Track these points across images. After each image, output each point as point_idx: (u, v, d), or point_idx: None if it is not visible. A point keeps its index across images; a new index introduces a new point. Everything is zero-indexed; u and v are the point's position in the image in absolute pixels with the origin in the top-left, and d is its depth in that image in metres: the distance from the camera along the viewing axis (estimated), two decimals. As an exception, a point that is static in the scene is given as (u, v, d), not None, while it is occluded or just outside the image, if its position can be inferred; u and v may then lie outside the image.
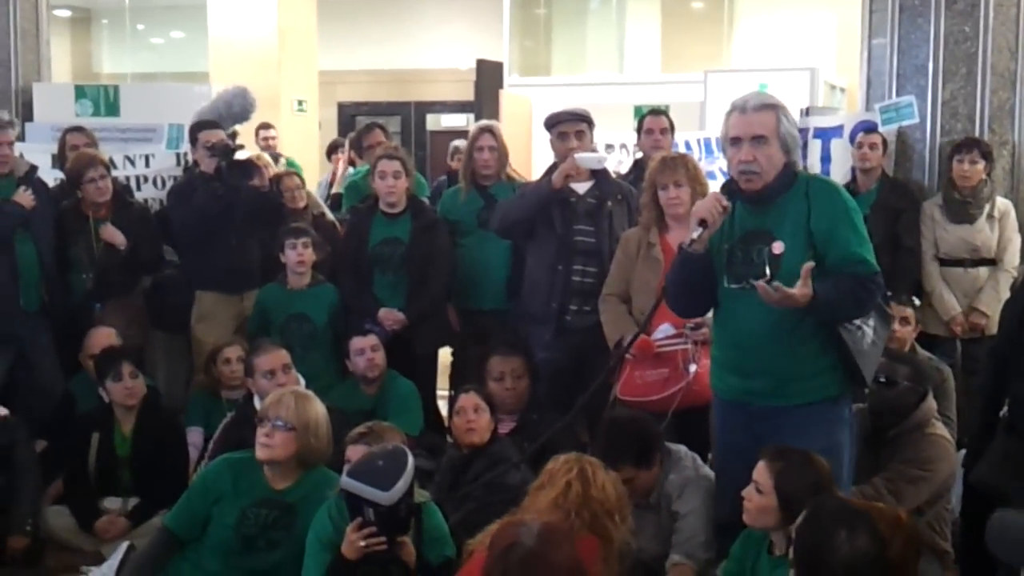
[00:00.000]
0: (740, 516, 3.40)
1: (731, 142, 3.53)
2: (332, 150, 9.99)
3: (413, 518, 3.46)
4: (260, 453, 3.82)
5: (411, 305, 5.38)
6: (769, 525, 3.30)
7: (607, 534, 3.33)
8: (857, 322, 3.50)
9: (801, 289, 3.28)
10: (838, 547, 2.75)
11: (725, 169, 6.56)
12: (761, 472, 3.30)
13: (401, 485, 3.33)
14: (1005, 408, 3.14)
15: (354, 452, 3.79)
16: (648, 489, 3.95)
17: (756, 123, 3.48)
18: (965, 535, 4.02)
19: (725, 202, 3.46)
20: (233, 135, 6.22)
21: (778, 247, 3.41)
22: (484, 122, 5.96)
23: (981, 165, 5.76)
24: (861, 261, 3.43)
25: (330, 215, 6.75)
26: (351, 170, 9.17)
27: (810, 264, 3.31)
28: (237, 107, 6.24)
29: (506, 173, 5.67)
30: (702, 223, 3.44)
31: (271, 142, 9.17)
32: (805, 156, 6.30)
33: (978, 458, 3.22)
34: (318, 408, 3.92)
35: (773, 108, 3.51)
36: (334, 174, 9.54)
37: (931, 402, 4.32)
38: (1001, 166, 6.07)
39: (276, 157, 8.43)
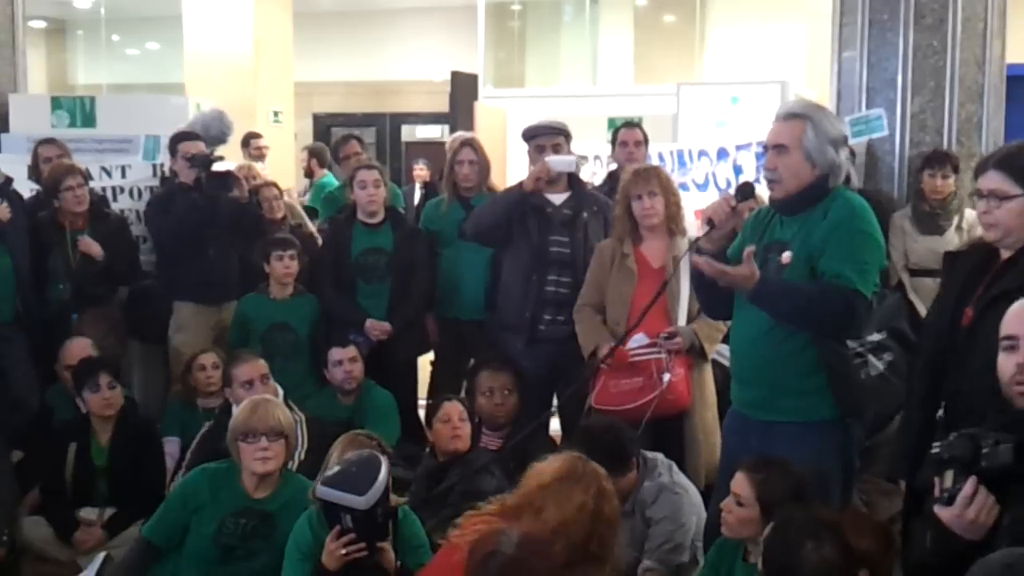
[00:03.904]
0: None
1: (764, 149, 3.57)
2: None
3: (391, 524, 3.50)
4: (262, 467, 3.82)
5: (396, 313, 5.43)
6: (750, 535, 3.33)
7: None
8: (859, 349, 3.47)
9: (742, 268, 3.29)
10: (805, 558, 2.79)
11: (698, 180, 6.71)
12: (741, 484, 3.32)
13: (376, 489, 3.35)
14: (941, 410, 3.18)
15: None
16: (624, 495, 3.98)
17: (780, 132, 3.49)
18: (908, 537, 4.07)
19: (733, 203, 3.47)
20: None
21: (786, 257, 3.41)
22: (463, 135, 6.01)
23: (952, 179, 5.86)
24: (838, 275, 3.35)
25: (310, 226, 6.79)
26: (306, 181, 9.28)
27: (752, 248, 3.33)
28: (215, 130, 6.25)
29: (488, 185, 5.73)
30: (709, 222, 3.48)
31: (266, 151, 9.26)
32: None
33: (916, 461, 3.24)
34: (284, 408, 4.03)
35: (802, 118, 3.47)
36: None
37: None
38: (969, 178, 6.15)
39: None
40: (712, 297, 3.73)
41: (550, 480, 3.12)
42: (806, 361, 3.44)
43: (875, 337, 3.51)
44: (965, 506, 2.34)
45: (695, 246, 3.57)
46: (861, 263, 3.39)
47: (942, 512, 2.39)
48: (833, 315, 3.37)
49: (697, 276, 3.69)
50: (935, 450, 2.46)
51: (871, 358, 3.50)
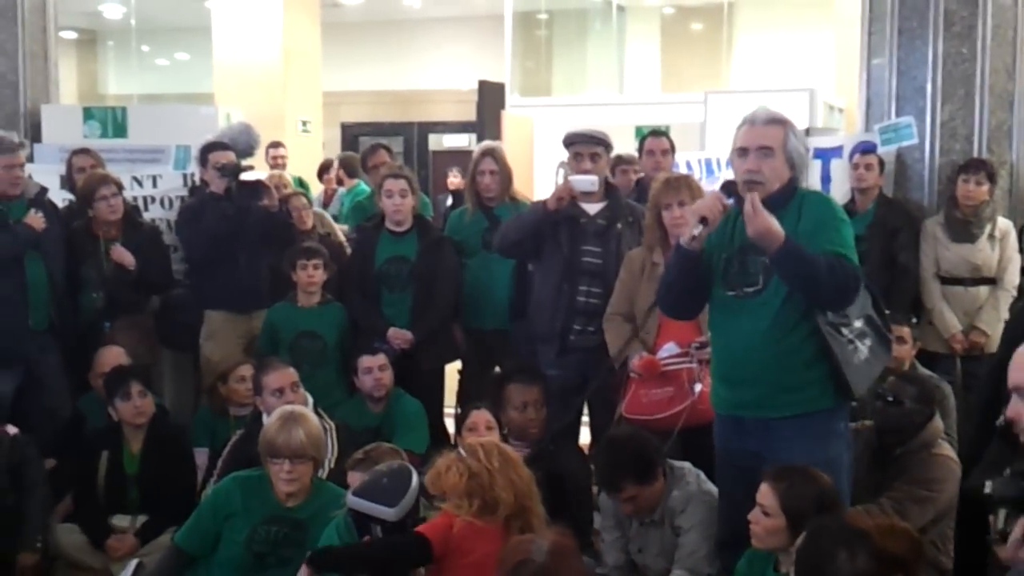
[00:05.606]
0: (737, 531, 3.45)
1: (738, 153, 3.60)
2: (323, 171, 10.14)
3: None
4: (287, 487, 3.87)
5: (418, 323, 5.43)
6: (779, 546, 3.32)
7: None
8: (849, 335, 3.54)
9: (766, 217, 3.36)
10: (839, 568, 2.79)
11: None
12: (765, 494, 3.31)
13: (406, 501, 3.38)
14: (1001, 418, 3.21)
15: (352, 479, 3.82)
16: (653, 505, 3.99)
17: (764, 135, 3.57)
18: (961, 542, 4.06)
19: (726, 200, 3.52)
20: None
21: None
22: (486, 144, 5.99)
23: (986, 187, 5.82)
24: (840, 256, 3.47)
25: (340, 235, 6.81)
26: (341, 189, 9.32)
27: (755, 195, 3.40)
28: (242, 143, 6.26)
29: (510, 194, 5.73)
30: (703, 220, 3.51)
31: (280, 160, 9.28)
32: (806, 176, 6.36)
33: (971, 465, 3.29)
34: (314, 422, 4.02)
35: (781, 123, 3.60)
36: (327, 193, 9.69)
37: (938, 422, 4.34)
38: (999, 186, 6.11)
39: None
40: (685, 295, 3.77)
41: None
42: (806, 353, 3.52)
43: (857, 324, 3.62)
44: (1017, 548, 2.37)
45: (685, 242, 3.59)
46: (851, 249, 3.54)
47: (998, 550, 2.45)
48: (844, 284, 3.47)
49: (671, 273, 3.74)
50: (987, 489, 2.50)
51: (858, 343, 3.60)
